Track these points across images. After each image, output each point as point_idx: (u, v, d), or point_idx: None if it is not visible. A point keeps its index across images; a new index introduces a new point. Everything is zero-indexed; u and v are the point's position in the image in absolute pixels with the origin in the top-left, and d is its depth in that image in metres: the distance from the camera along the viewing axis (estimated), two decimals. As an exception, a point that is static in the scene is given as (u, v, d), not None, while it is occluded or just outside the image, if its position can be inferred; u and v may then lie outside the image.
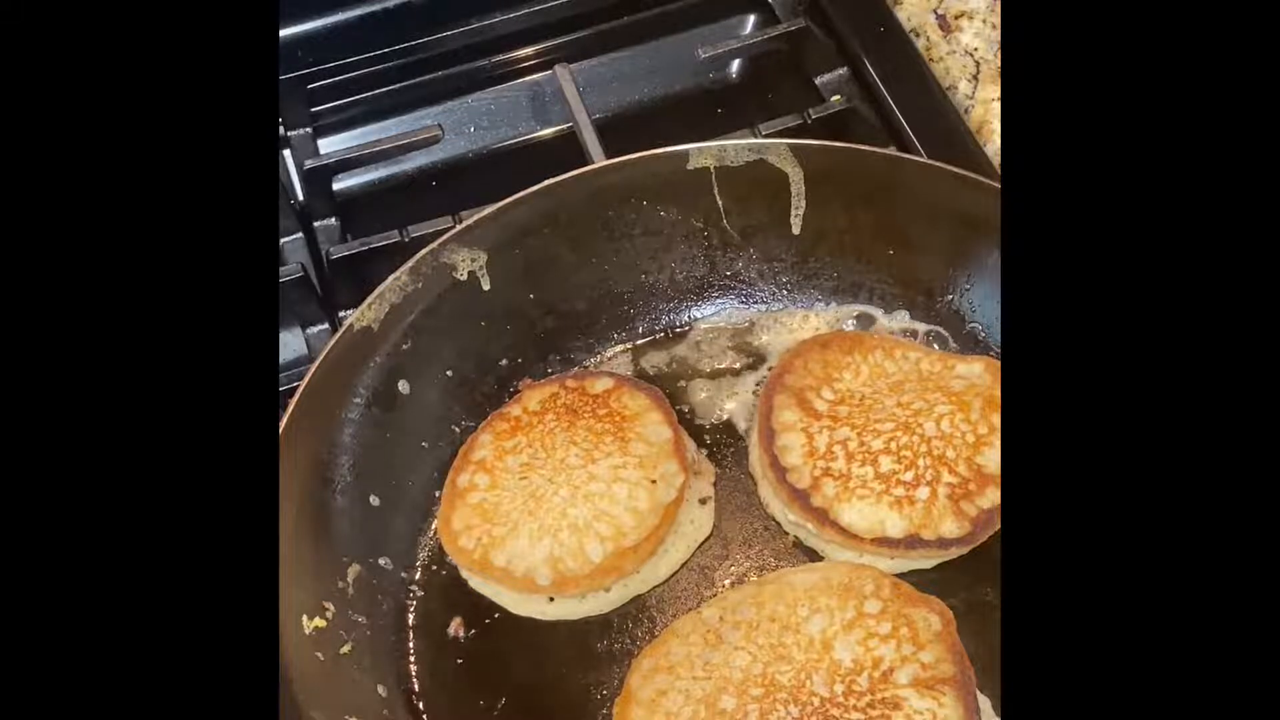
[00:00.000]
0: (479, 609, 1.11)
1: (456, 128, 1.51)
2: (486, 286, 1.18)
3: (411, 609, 1.11)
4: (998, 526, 1.06)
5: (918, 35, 1.51)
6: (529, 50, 1.56)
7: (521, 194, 1.17)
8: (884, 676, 0.96)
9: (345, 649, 1.04)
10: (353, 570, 1.08)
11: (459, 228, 1.17)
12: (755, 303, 1.27)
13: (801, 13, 1.52)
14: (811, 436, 1.12)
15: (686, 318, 1.27)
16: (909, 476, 1.08)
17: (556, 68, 1.45)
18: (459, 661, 1.08)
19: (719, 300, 1.27)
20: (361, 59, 1.52)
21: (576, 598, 1.08)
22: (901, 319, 1.24)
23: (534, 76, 1.55)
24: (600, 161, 1.28)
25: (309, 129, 1.48)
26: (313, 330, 1.28)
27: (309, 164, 1.39)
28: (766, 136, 1.36)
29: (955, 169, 1.18)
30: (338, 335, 1.10)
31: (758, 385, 1.22)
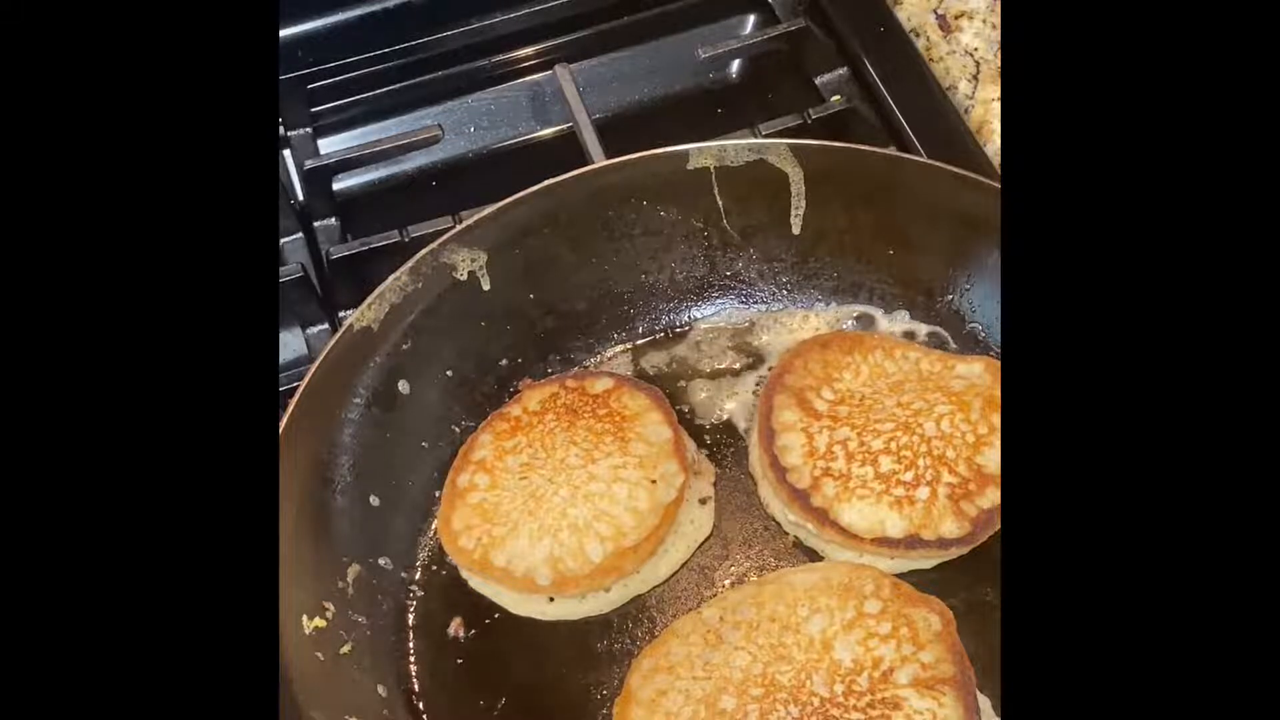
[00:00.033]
0: (479, 609, 1.11)
1: (456, 128, 1.51)
2: (486, 286, 1.18)
3: (411, 609, 1.11)
4: (998, 526, 1.06)
5: (918, 35, 1.51)
6: (529, 50, 1.56)
7: (521, 194, 1.17)
8: (884, 676, 0.97)
9: (345, 649, 1.04)
10: (353, 570, 1.08)
11: (459, 228, 1.17)
12: (755, 303, 1.27)
13: (801, 13, 1.52)
14: (811, 436, 1.12)
15: (686, 318, 1.27)
16: (909, 476, 1.08)
17: (556, 68, 1.45)
18: (459, 661, 1.08)
19: (719, 300, 1.27)
20: (361, 59, 1.52)
21: (576, 598, 1.08)
22: (901, 319, 1.24)
23: (534, 76, 1.55)
24: (600, 161, 1.28)
25: (309, 129, 1.48)
26: (313, 330, 1.28)
27: (309, 164, 1.39)
28: (766, 136, 1.36)
29: (955, 169, 1.18)
30: (338, 335, 1.10)
31: (758, 385, 1.22)
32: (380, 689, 1.04)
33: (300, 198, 1.43)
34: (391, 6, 1.53)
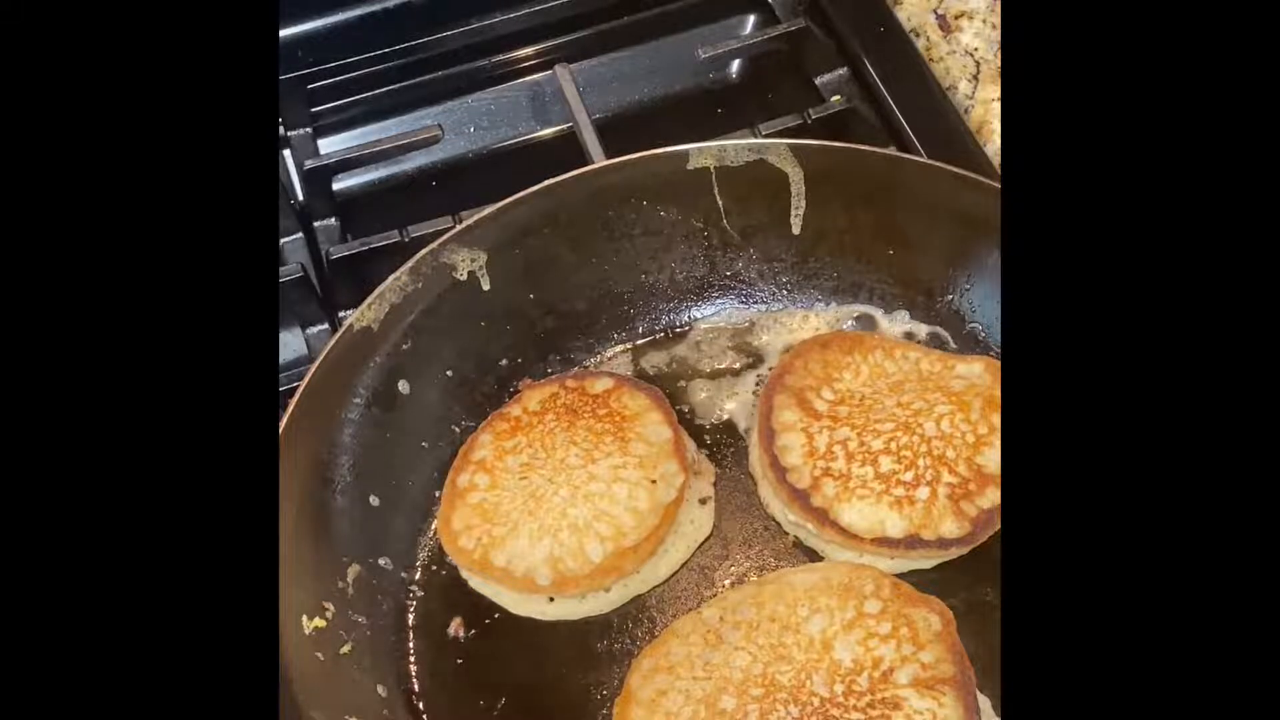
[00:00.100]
0: (479, 609, 1.11)
1: (456, 128, 1.51)
2: (486, 286, 1.18)
3: (411, 609, 1.11)
4: (998, 526, 1.06)
5: (918, 35, 1.51)
6: (529, 50, 1.56)
7: (521, 194, 1.17)
8: (884, 676, 0.97)
9: (345, 649, 1.04)
10: (353, 570, 1.08)
11: (459, 228, 1.17)
12: (755, 303, 1.27)
13: (801, 13, 1.52)
14: (811, 436, 1.12)
15: (686, 318, 1.27)
16: (909, 476, 1.08)
17: (556, 68, 1.45)
18: (459, 661, 1.08)
19: (719, 300, 1.27)
20: (361, 59, 1.52)
21: (576, 598, 1.08)
22: (901, 319, 1.24)
23: (534, 76, 1.55)
24: (600, 161, 1.28)
25: (309, 129, 1.48)
26: (313, 330, 1.28)
27: (309, 164, 1.39)
28: (766, 136, 1.36)
29: (955, 169, 1.18)
30: (338, 335, 1.10)
31: (758, 385, 1.22)
32: (380, 689, 1.04)
33: (300, 198, 1.43)
34: (391, 6, 1.53)
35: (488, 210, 1.17)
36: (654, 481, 1.10)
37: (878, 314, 1.25)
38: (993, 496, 1.07)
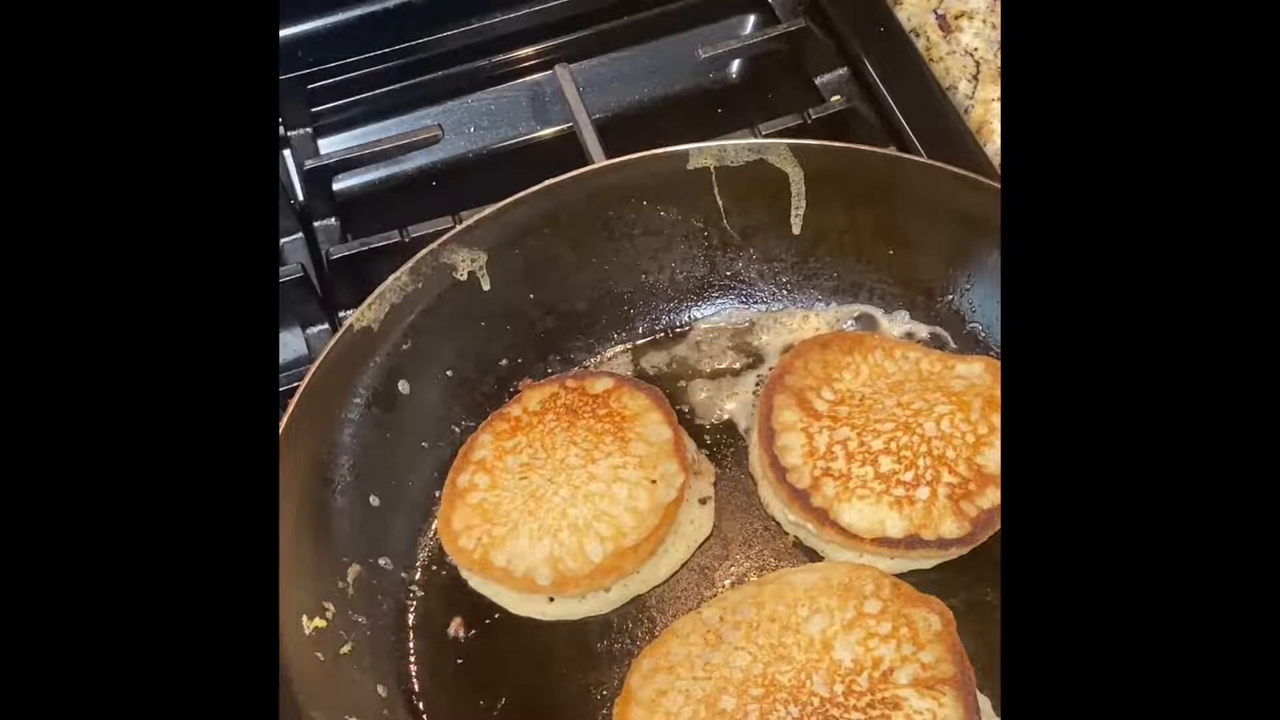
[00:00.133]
0: (479, 609, 1.11)
1: (456, 128, 1.51)
2: (486, 286, 1.18)
3: (411, 609, 1.11)
4: (998, 526, 1.06)
5: (918, 35, 1.51)
6: (529, 50, 1.56)
7: (521, 194, 1.17)
8: (884, 676, 0.96)
9: (345, 649, 1.04)
10: (353, 570, 1.08)
11: (459, 228, 1.17)
12: (755, 303, 1.27)
13: (801, 13, 1.52)
14: (811, 436, 1.12)
15: (686, 318, 1.27)
16: (909, 476, 1.08)
17: (556, 68, 1.45)
18: (459, 661, 1.08)
19: (719, 300, 1.27)
20: (361, 59, 1.52)
21: (576, 598, 1.08)
22: (901, 319, 1.24)
23: (534, 76, 1.55)
24: (600, 161, 1.28)
25: (309, 129, 1.48)
26: (313, 330, 1.28)
27: (309, 164, 1.39)
28: (766, 136, 1.36)
29: (955, 169, 1.18)
30: (338, 335, 1.10)
31: (758, 385, 1.22)
32: (380, 689, 1.04)
33: (300, 198, 1.43)
34: (391, 6, 1.53)
35: (488, 210, 1.17)
36: (654, 481, 1.10)
37: (878, 314, 1.25)
38: (993, 496, 1.07)
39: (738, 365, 1.24)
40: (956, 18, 1.51)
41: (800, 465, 1.10)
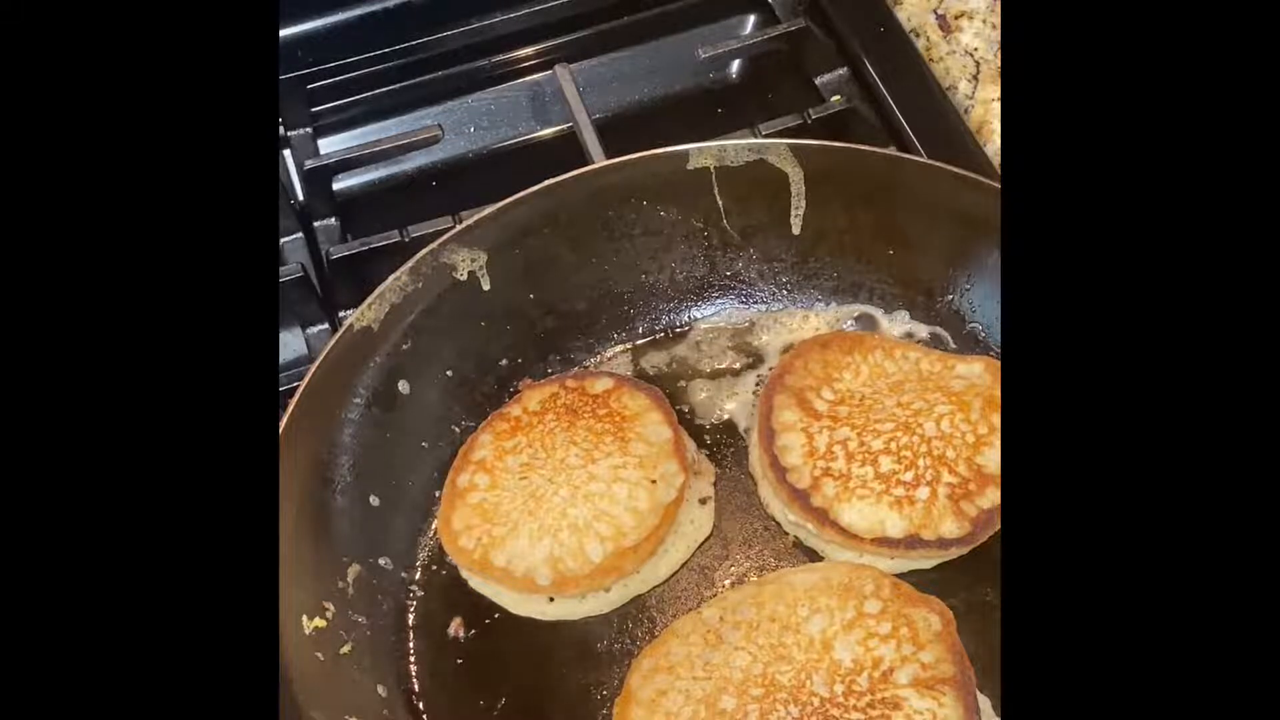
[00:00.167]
0: (479, 609, 1.11)
1: (456, 128, 1.51)
2: (486, 286, 1.18)
3: (411, 609, 1.11)
4: (998, 526, 1.06)
5: (918, 35, 1.51)
6: (529, 50, 1.56)
7: (521, 194, 1.17)
8: (884, 676, 0.96)
9: (345, 649, 1.04)
10: (353, 570, 1.08)
11: (459, 228, 1.17)
12: (755, 303, 1.27)
13: (801, 13, 1.52)
14: (811, 436, 1.12)
15: (686, 318, 1.27)
16: (909, 476, 1.08)
17: (556, 68, 1.45)
18: (459, 661, 1.08)
19: (719, 300, 1.27)
20: (361, 59, 1.52)
21: (576, 598, 1.08)
22: (901, 319, 1.24)
23: (534, 76, 1.55)
24: (600, 161, 1.28)
25: (309, 129, 1.48)
26: (313, 330, 1.28)
27: (309, 164, 1.39)
28: (766, 136, 1.36)
29: (955, 169, 1.18)
30: (338, 335, 1.10)
31: (758, 385, 1.22)
32: (380, 689, 1.04)
33: (300, 198, 1.43)
34: (391, 6, 1.53)
35: (488, 210, 1.17)
36: (654, 481, 1.10)
37: (878, 314, 1.25)
38: (993, 496, 1.07)
39: (738, 365, 1.24)
40: (956, 18, 1.51)
41: (800, 465, 1.10)
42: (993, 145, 1.38)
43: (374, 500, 1.11)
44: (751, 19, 1.60)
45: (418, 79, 1.53)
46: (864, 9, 1.49)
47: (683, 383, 1.23)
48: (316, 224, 1.40)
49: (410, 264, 1.13)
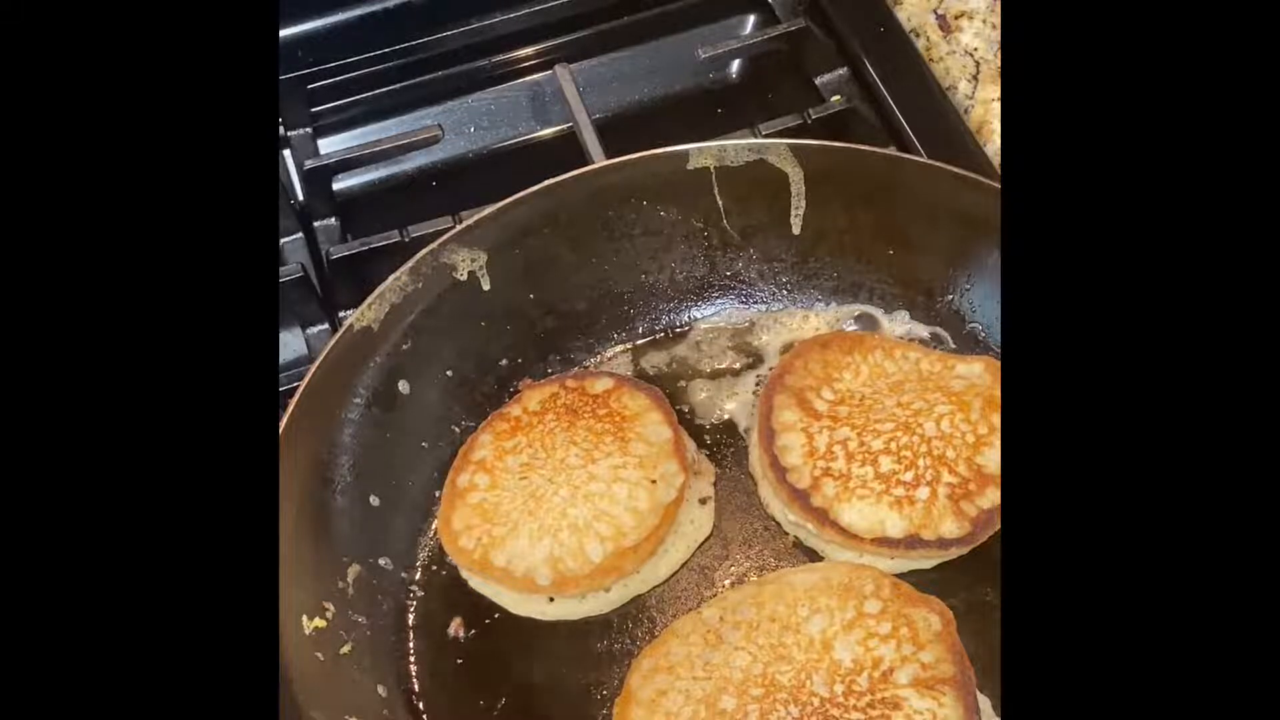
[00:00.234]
0: (479, 609, 1.11)
1: (456, 128, 1.51)
2: (486, 286, 1.18)
3: (411, 609, 1.11)
4: (998, 526, 1.06)
5: (918, 35, 1.51)
6: (529, 50, 1.56)
7: (521, 194, 1.17)
8: (884, 676, 0.96)
9: (345, 649, 1.04)
10: (353, 570, 1.08)
11: (459, 228, 1.17)
12: (755, 303, 1.27)
13: (801, 13, 1.52)
14: (811, 436, 1.12)
15: (686, 318, 1.27)
16: (909, 476, 1.08)
17: (556, 68, 1.45)
18: (459, 661, 1.08)
19: (719, 300, 1.27)
20: (361, 59, 1.52)
21: (576, 598, 1.08)
22: (901, 319, 1.24)
23: (534, 76, 1.55)
24: (600, 161, 1.28)
25: (309, 129, 1.48)
26: (313, 330, 1.28)
27: (309, 164, 1.39)
28: (766, 136, 1.36)
29: (955, 169, 1.18)
30: (338, 335, 1.10)
31: (758, 385, 1.22)
32: (380, 689, 1.04)
33: (300, 198, 1.43)
34: (391, 6, 1.53)
35: (488, 210, 1.17)
36: (654, 481, 1.10)
37: (878, 314, 1.25)
38: (993, 496, 1.07)
39: (738, 365, 1.24)
40: (956, 18, 1.51)
41: (800, 465, 1.10)
42: (993, 145, 1.38)
43: (374, 500, 1.11)
44: (751, 19, 1.60)
45: (418, 79, 1.53)
46: (864, 9, 1.49)
47: (683, 383, 1.23)
48: (316, 224, 1.40)
49: (410, 264, 1.13)
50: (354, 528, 1.09)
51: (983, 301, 1.21)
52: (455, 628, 1.10)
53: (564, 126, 1.46)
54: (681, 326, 1.27)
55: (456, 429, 1.18)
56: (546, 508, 1.09)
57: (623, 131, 1.44)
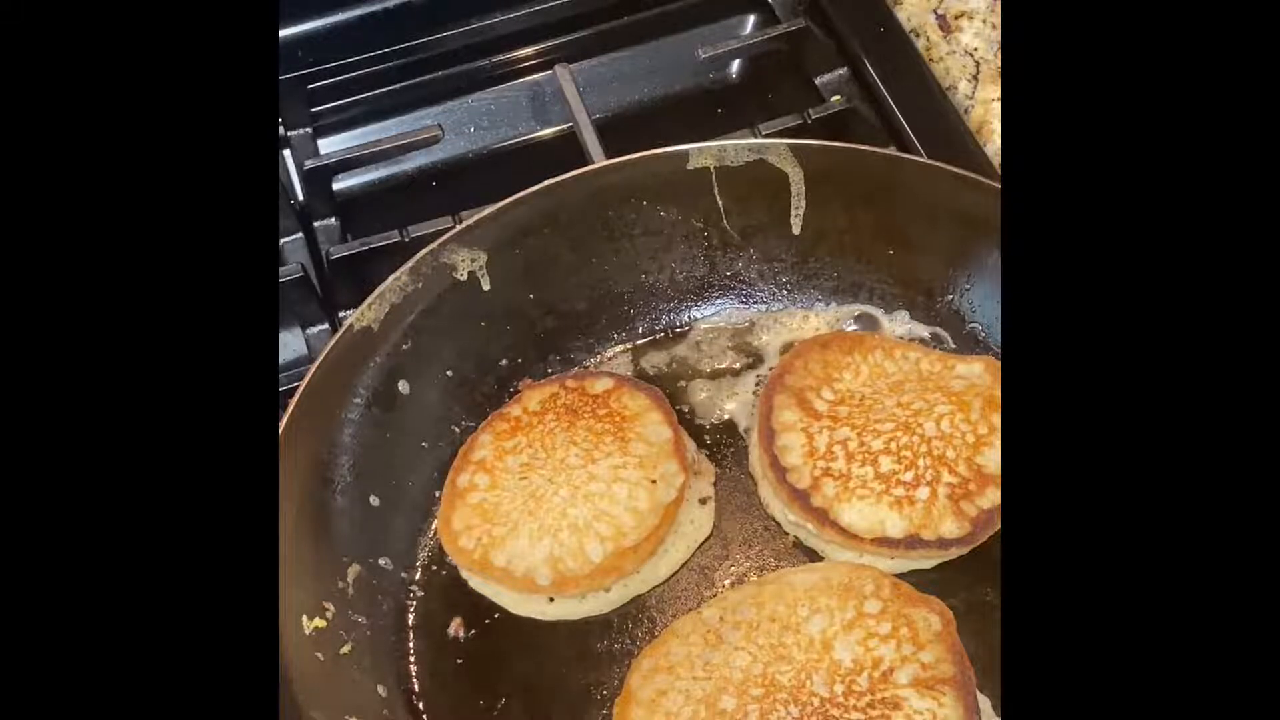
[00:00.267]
0: (479, 609, 1.11)
1: (456, 128, 1.51)
2: (486, 286, 1.18)
3: (411, 609, 1.11)
4: (998, 526, 1.06)
5: (918, 35, 1.51)
6: (529, 50, 1.56)
7: (521, 194, 1.17)
8: (884, 676, 0.96)
9: (345, 649, 1.04)
10: (353, 570, 1.08)
11: (459, 228, 1.17)
12: (755, 303, 1.27)
13: (801, 13, 1.52)
14: (811, 436, 1.12)
15: (686, 318, 1.27)
16: (909, 476, 1.08)
17: (556, 68, 1.45)
18: (459, 661, 1.08)
19: (719, 300, 1.27)
20: (361, 59, 1.52)
21: (576, 598, 1.08)
22: (901, 319, 1.24)
23: (534, 76, 1.55)
24: (600, 161, 1.28)
25: (309, 129, 1.48)
26: (313, 330, 1.28)
27: (309, 164, 1.39)
28: (766, 136, 1.36)
29: (955, 169, 1.18)
30: (338, 335, 1.10)
31: (758, 385, 1.22)
32: (380, 689, 1.04)
33: (300, 198, 1.43)
34: (391, 6, 1.53)
35: (488, 210, 1.17)
36: (654, 481, 1.10)
37: (878, 314, 1.25)
38: (993, 496, 1.07)
39: (738, 365, 1.24)
40: (956, 18, 1.51)
41: (800, 465, 1.10)
42: (993, 145, 1.38)
43: (374, 500, 1.11)
44: (751, 19, 1.60)
45: (418, 79, 1.53)
46: (864, 9, 1.49)
47: (683, 383, 1.23)
48: (316, 224, 1.40)
49: (410, 264, 1.13)
50: (354, 528, 1.09)
51: (983, 301, 1.21)
52: (455, 628, 1.10)
53: (564, 126, 1.46)
54: (681, 326, 1.27)
55: (456, 429, 1.18)
56: (546, 508, 1.09)
57: (623, 131, 1.44)
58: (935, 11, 1.52)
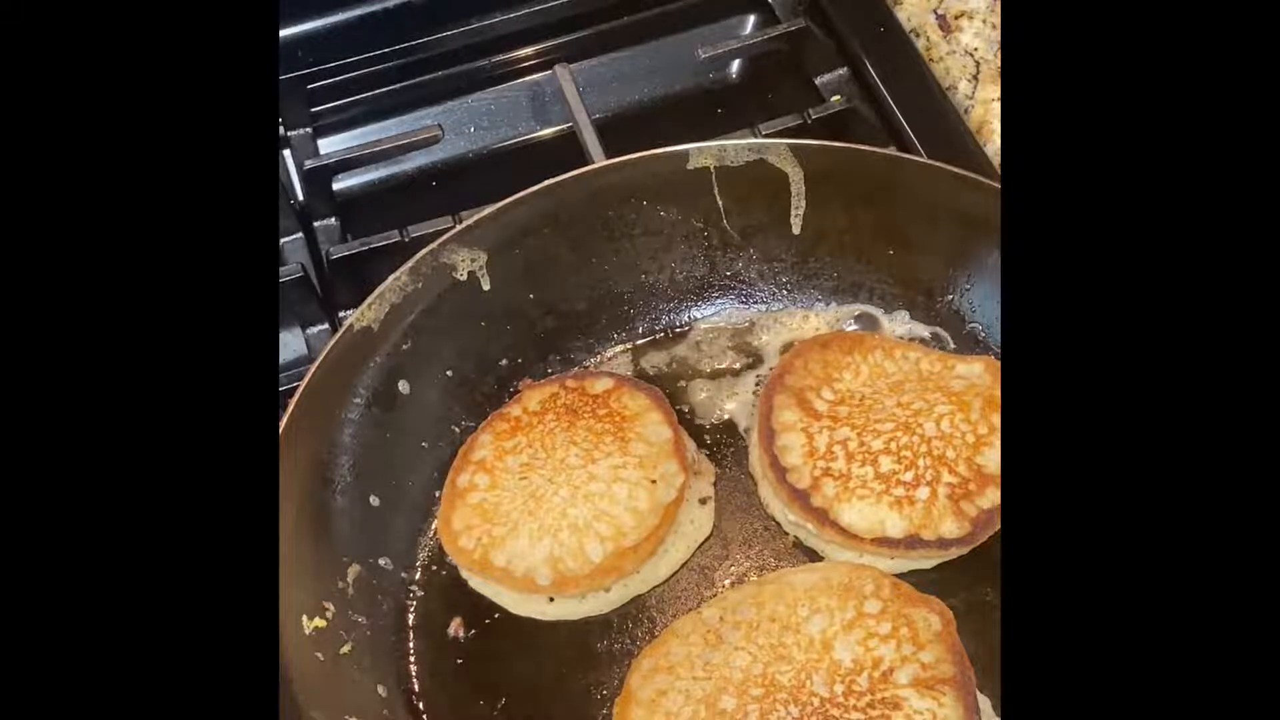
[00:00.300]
0: (479, 609, 1.11)
1: (456, 128, 1.51)
2: (486, 286, 1.18)
3: (411, 609, 1.11)
4: (998, 526, 1.06)
5: (918, 35, 1.51)
6: (529, 50, 1.56)
7: (521, 194, 1.17)
8: (884, 676, 0.96)
9: (345, 649, 1.04)
10: (353, 570, 1.08)
11: (459, 228, 1.17)
12: (755, 303, 1.27)
13: (801, 13, 1.52)
14: (811, 436, 1.12)
15: (686, 318, 1.27)
16: (909, 476, 1.08)
17: (556, 68, 1.45)
18: (459, 661, 1.08)
19: (719, 300, 1.27)
20: (361, 59, 1.52)
21: (576, 598, 1.08)
22: (901, 319, 1.24)
23: (534, 76, 1.55)
24: (600, 161, 1.28)
25: (309, 129, 1.48)
26: (313, 330, 1.28)
27: (309, 164, 1.39)
28: (766, 136, 1.36)
29: (955, 169, 1.18)
30: (338, 335, 1.10)
31: (758, 385, 1.22)
32: (380, 689, 1.04)
33: (300, 198, 1.43)
34: (391, 6, 1.53)
35: (488, 210, 1.17)
36: (654, 481, 1.10)
37: (878, 314, 1.25)
38: (993, 496, 1.07)
39: (738, 365, 1.24)
40: (956, 18, 1.51)
41: (800, 465, 1.10)
42: (993, 145, 1.38)
43: (374, 500, 1.11)
44: (751, 19, 1.60)
45: (418, 79, 1.53)
46: (864, 9, 1.49)
47: (683, 383, 1.23)
48: (316, 224, 1.40)
49: (410, 264, 1.13)
50: (354, 528, 1.09)
51: (983, 301, 1.21)
52: (455, 628, 1.10)
53: (564, 126, 1.46)
54: (681, 326, 1.27)
55: (456, 429, 1.18)
56: (546, 508, 1.09)
57: (623, 131, 1.44)
58: (935, 11, 1.52)
